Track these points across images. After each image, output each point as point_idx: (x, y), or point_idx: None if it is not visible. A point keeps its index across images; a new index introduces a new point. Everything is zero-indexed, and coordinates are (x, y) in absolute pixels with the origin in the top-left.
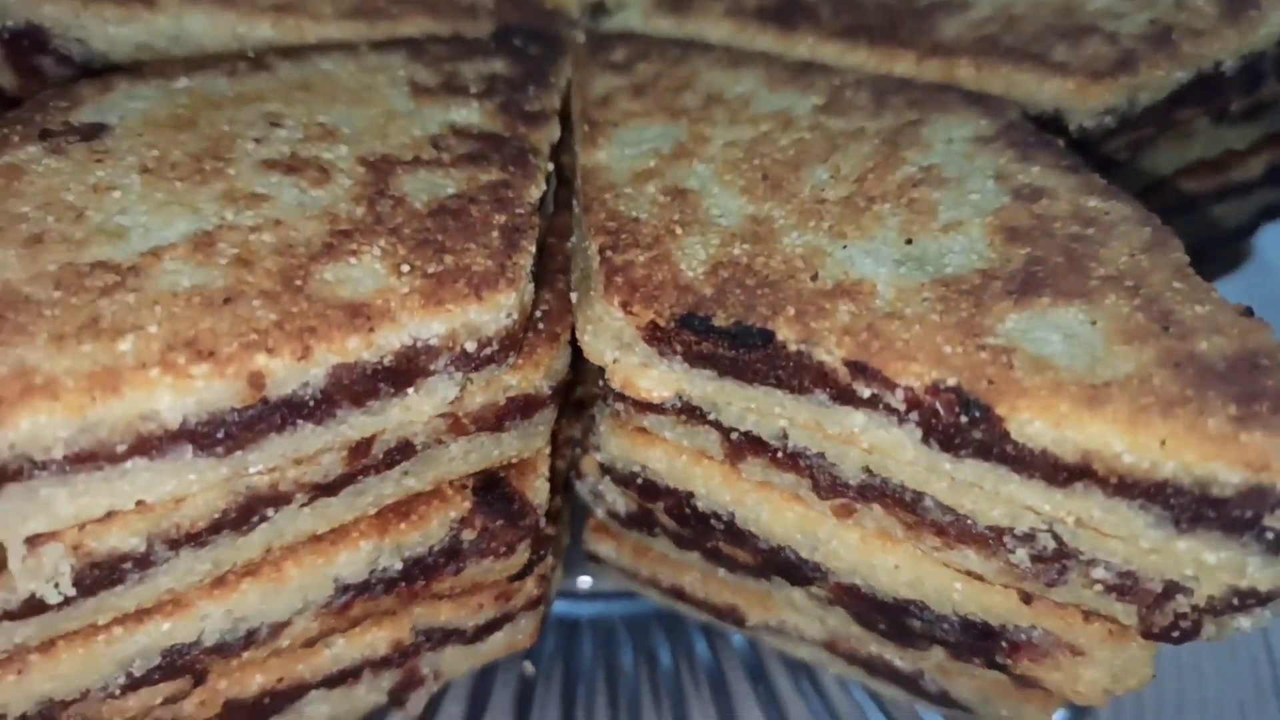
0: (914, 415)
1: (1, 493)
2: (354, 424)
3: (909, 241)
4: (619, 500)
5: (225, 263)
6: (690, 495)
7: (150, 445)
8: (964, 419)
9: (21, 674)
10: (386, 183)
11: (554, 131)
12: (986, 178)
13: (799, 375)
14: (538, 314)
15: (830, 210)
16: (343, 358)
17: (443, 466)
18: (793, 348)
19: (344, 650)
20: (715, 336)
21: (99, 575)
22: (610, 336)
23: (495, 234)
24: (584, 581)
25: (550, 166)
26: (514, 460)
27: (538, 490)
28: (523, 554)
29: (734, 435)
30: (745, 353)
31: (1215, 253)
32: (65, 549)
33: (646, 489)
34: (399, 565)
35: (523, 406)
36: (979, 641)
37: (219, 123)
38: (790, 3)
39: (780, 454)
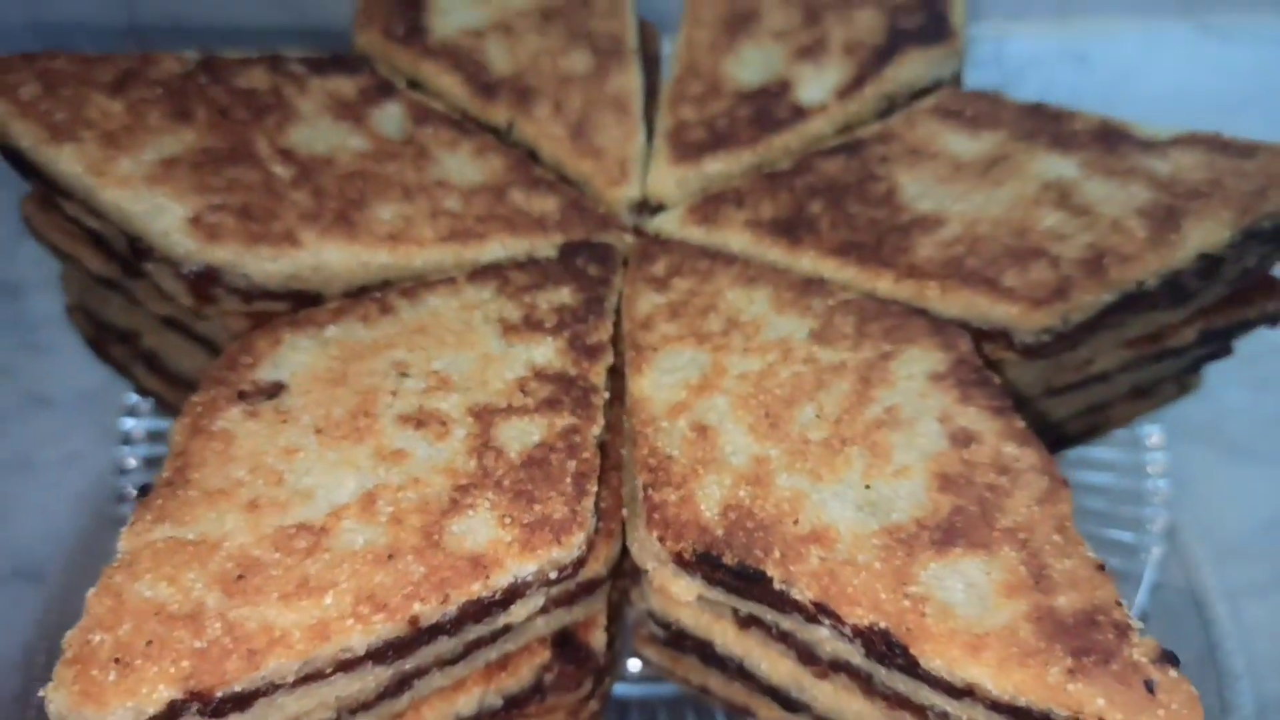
0: (859, 640)
1: (254, 706)
2: (474, 632)
3: (868, 486)
4: (659, 630)
5: (384, 520)
6: (710, 643)
7: (347, 665)
8: (889, 652)
9: None
10: (489, 434)
11: (609, 359)
12: (933, 419)
13: (781, 604)
14: (596, 516)
15: (812, 452)
16: (468, 598)
17: (530, 634)
18: (777, 586)
19: None
20: (723, 571)
21: None
22: (650, 554)
23: (569, 481)
24: (634, 664)
25: (607, 395)
26: (581, 620)
27: (599, 639)
28: (589, 685)
29: (740, 613)
30: (744, 584)
31: (1165, 386)
32: None
33: (678, 633)
34: (500, 702)
35: (588, 587)
36: None
37: (363, 375)
38: (796, 216)
39: (774, 630)
